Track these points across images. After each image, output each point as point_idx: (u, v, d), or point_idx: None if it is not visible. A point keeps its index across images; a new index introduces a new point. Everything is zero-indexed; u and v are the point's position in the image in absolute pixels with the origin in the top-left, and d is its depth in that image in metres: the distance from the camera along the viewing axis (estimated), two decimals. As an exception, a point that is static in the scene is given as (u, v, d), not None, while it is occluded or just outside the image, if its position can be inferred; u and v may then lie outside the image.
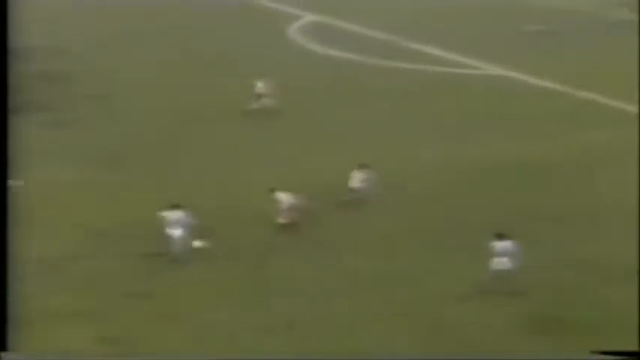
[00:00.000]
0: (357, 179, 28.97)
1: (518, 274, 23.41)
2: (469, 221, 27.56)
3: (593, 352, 18.27)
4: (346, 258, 25.64)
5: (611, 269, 24.44)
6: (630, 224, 26.65)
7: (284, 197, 27.51)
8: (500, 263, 23.52)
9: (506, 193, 29.70)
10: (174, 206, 25.91)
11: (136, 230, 26.62)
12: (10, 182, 12.11)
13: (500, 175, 31.11)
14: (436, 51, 47.25)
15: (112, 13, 55.13)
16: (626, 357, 17.46)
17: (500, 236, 23.76)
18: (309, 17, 55.43)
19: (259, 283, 24.44)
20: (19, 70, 19.47)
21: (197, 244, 25.90)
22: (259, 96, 37.62)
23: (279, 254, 25.96)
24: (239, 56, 46.69)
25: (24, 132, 22.40)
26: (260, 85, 37.80)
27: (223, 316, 22.64)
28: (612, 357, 17.54)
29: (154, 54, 47.14)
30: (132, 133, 35.53)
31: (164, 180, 30.75)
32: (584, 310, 22.57)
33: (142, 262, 25.14)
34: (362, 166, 29.15)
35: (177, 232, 25.64)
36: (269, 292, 23.96)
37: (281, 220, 27.26)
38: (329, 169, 30.94)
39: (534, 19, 52.90)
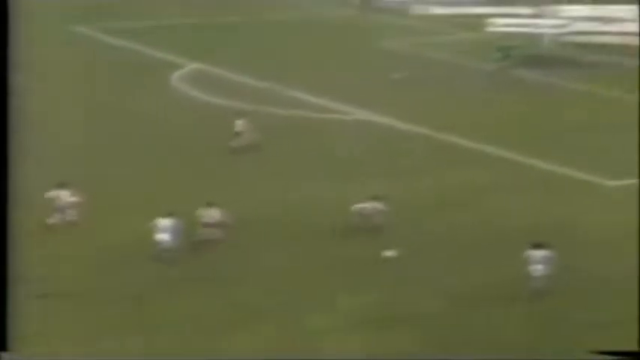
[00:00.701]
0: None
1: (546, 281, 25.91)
2: (346, 257, 29.06)
3: (593, 352, 18.87)
4: (233, 291, 26.78)
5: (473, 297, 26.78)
6: (493, 256, 29.05)
7: (213, 213, 29.43)
8: (536, 270, 26.12)
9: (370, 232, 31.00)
10: (168, 214, 28.24)
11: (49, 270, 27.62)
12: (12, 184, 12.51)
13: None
14: (310, 97, 48.94)
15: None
16: (626, 357, 17.69)
17: (537, 246, 26.35)
18: (191, 65, 57.06)
19: (145, 318, 25.15)
20: None
21: (388, 253, 28.59)
22: (238, 133, 39.69)
23: (165, 288, 26.90)
24: (123, 102, 48.19)
25: None
26: (239, 123, 39.90)
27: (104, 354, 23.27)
28: (612, 357, 17.87)
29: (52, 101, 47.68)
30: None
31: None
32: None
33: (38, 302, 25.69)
34: (375, 197, 31.03)
35: (165, 238, 27.96)
36: (155, 326, 24.65)
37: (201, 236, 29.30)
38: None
39: (401, 66, 55.08)
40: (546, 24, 65.68)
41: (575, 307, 25.86)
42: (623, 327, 23.79)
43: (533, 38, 62.46)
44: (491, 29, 66.30)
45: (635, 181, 36.22)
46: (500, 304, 26.02)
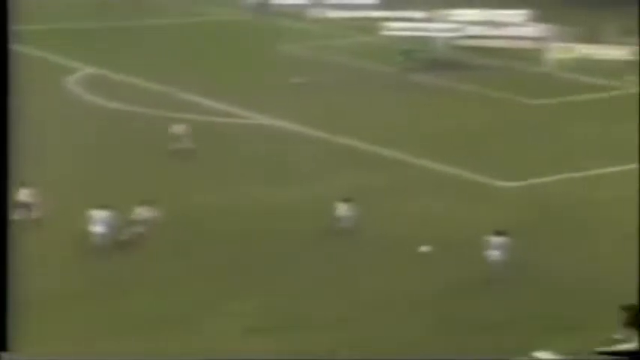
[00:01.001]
0: None
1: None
2: (247, 263, 29.20)
3: (594, 352, 18.99)
4: (129, 298, 26.78)
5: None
6: (392, 258, 29.63)
7: (142, 210, 29.98)
8: (493, 255, 27.57)
9: (275, 237, 31.25)
10: (103, 206, 29.06)
11: None
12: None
13: (270, 216, 32.98)
14: (208, 102, 49.02)
15: None
16: (626, 357, 17.79)
17: (498, 233, 27.78)
18: (86, 70, 56.54)
19: (41, 324, 24.93)
20: None
21: (423, 249, 29.19)
22: (176, 137, 40.38)
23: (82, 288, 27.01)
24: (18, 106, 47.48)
25: None
26: (176, 128, 40.69)
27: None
28: (612, 357, 18.08)
29: None
30: None
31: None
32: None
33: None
34: (346, 200, 31.53)
35: (99, 230, 28.79)
36: (52, 334, 24.50)
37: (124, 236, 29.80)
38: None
39: (300, 70, 55.74)
40: (440, 28, 67.00)
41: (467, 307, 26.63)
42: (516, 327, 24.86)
43: (429, 42, 63.59)
44: (386, 33, 67.33)
45: (524, 182, 37.45)
46: (407, 307, 26.53)
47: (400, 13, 71.40)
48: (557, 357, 22.91)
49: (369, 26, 68.95)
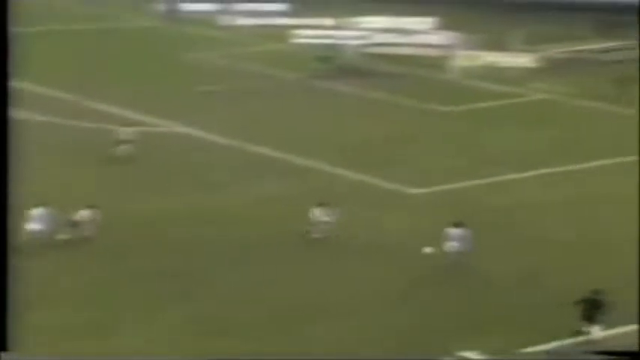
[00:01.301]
0: None
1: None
2: (174, 269, 29.32)
3: (593, 353, 19.36)
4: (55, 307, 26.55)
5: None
6: (308, 266, 30.10)
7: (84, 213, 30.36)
8: (452, 247, 28.12)
9: (191, 242, 31.49)
10: (38, 204, 29.14)
11: None
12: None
13: (186, 224, 33.17)
14: (118, 110, 48.69)
15: None
16: (626, 357, 18.03)
17: (456, 224, 28.38)
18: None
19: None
20: None
21: (428, 250, 28.92)
22: (119, 142, 40.39)
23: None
24: None
25: None
26: (124, 131, 40.67)
27: None
28: (612, 357, 18.25)
29: None
30: None
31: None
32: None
33: None
34: (321, 204, 31.76)
35: (36, 227, 28.92)
36: None
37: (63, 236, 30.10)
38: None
39: (210, 78, 55.91)
40: (349, 35, 67.71)
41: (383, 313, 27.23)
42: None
43: (338, 49, 64.17)
44: (296, 40, 67.80)
45: (434, 189, 38.26)
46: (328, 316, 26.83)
47: (310, 21, 71.97)
48: (483, 357, 23.47)
49: (279, 34, 69.24)
